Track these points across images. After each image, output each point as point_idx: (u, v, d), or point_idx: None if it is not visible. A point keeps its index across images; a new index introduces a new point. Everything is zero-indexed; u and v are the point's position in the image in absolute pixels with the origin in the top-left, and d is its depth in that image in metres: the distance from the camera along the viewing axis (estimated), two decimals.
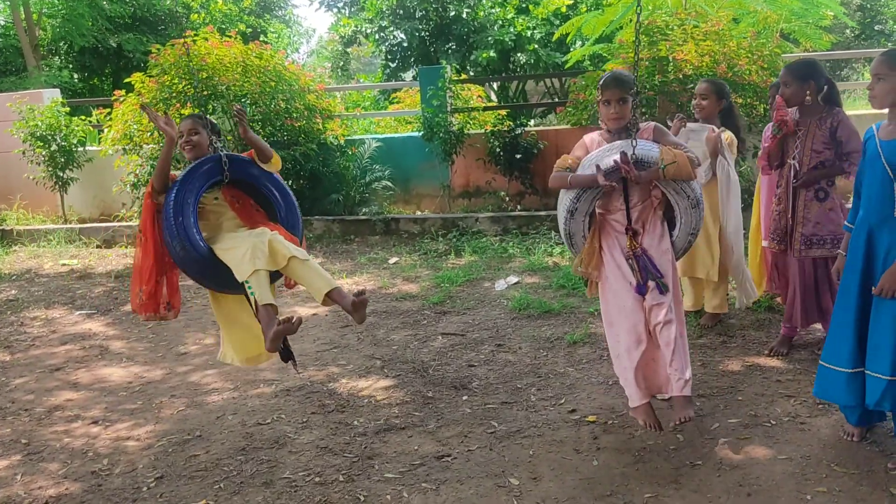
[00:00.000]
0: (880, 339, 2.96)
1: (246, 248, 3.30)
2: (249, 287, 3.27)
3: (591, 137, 3.53)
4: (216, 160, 3.55)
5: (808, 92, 3.97)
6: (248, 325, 3.59)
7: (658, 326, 3.25)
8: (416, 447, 3.41)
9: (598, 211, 3.46)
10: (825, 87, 3.99)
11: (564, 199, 3.44)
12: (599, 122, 3.53)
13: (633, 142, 3.25)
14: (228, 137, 8.74)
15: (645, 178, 3.28)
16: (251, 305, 3.41)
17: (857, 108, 11.90)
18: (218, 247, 3.40)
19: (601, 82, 3.43)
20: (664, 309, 3.24)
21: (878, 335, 2.98)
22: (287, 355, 3.54)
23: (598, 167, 3.23)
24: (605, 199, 3.41)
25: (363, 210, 8.61)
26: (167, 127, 3.49)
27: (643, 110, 7.48)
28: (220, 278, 3.40)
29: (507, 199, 8.73)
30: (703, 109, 4.53)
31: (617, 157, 3.23)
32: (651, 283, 3.27)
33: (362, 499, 3.00)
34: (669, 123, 7.70)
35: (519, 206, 8.66)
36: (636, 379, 3.28)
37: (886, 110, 3.06)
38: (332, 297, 3.38)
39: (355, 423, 3.71)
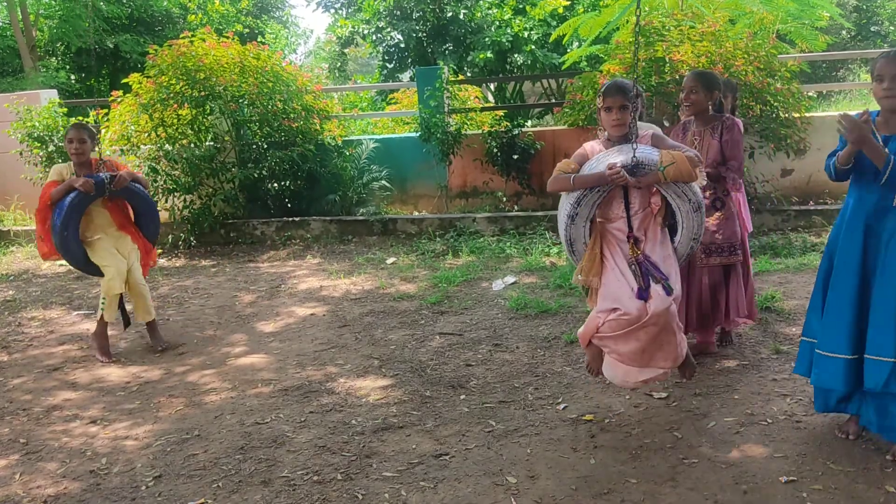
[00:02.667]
0: (883, 324, 3.00)
1: (114, 273, 4.83)
2: (103, 301, 4.87)
3: (590, 145, 3.52)
4: (101, 183, 4.78)
5: (710, 101, 4.13)
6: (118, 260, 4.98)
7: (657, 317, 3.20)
8: (413, 446, 3.43)
9: (598, 220, 3.45)
10: (722, 97, 4.23)
11: (565, 204, 3.41)
12: (598, 130, 3.53)
13: (634, 145, 3.26)
14: (226, 138, 8.77)
15: (645, 182, 3.28)
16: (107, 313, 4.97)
17: (853, 108, 11.95)
18: (93, 254, 4.89)
19: (602, 89, 3.43)
20: (667, 305, 3.21)
21: (879, 320, 3.01)
22: (126, 321, 5.23)
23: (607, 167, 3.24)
24: (605, 207, 3.41)
25: (361, 210, 8.62)
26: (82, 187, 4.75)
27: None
28: (88, 268, 4.96)
29: (505, 199, 8.75)
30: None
31: (620, 159, 3.24)
32: (655, 287, 3.22)
33: (360, 497, 3.01)
34: (666, 124, 7.75)
35: (516, 207, 8.68)
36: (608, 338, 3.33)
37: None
38: (149, 326, 5.14)
39: (353, 422, 3.72)
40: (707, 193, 4.13)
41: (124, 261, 4.92)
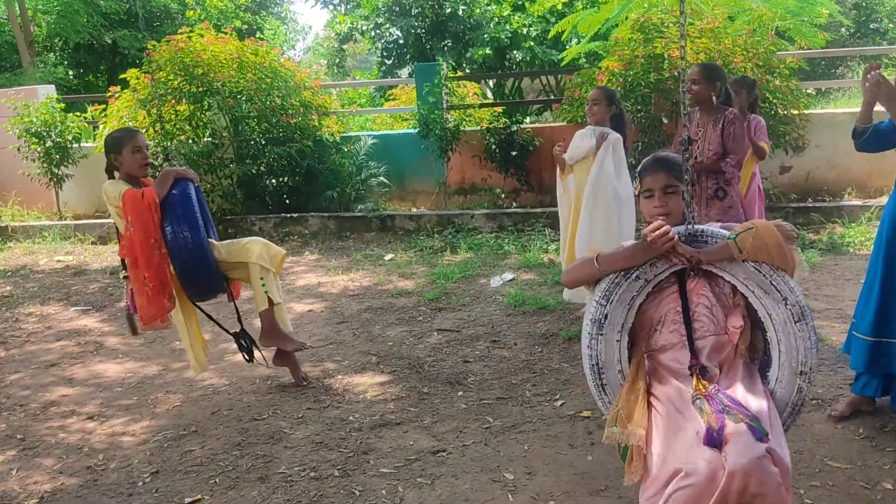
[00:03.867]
0: None
1: (260, 249, 3.86)
2: (263, 284, 3.88)
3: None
4: (196, 176, 3.93)
5: (713, 92, 4.18)
6: (198, 334, 4.05)
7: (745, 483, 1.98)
8: (411, 442, 3.42)
9: (643, 351, 2.43)
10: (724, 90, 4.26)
11: (590, 305, 2.41)
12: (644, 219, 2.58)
13: (691, 218, 2.37)
14: (224, 134, 8.76)
15: (709, 259, 2.30)
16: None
17: (852, 105, 11.93)
18: (220, 255, 3.88)
19: (640, 169, 2.56)
20: (757, 454, 1.98)
21: None
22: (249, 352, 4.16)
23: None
24: (653, 324, 2.41)
25: (359, 207, 8.61)
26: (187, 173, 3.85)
27: (638, 107, 7.50)
28: (219, 285, 3.96)
29: (503, 196, 8.74)
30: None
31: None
32: (734, 428, 2.03)
33: (357, 493, 3.01)
34: (665, 121, 7.75)
35: (514, 203, 8.67)
36: None
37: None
38: (263, 314, 3.99)
39: (350, 418, 3.71)
40: (710, 183, 4.17)
41: (255, 239, 4.02)
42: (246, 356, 4.14)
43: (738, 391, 2.19)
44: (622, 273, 2.34)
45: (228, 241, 4.06)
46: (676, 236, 2.28)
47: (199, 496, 3.06)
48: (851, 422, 3.33)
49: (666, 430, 2.15)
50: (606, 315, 2.33)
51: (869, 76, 2.98)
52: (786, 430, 2.26)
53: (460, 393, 3.95)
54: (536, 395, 3.87)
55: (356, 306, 5.64)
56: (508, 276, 6.18)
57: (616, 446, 2.25)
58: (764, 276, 2.26)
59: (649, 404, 2.27)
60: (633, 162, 7.80)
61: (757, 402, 2.15)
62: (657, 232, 2.25)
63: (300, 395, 4.05)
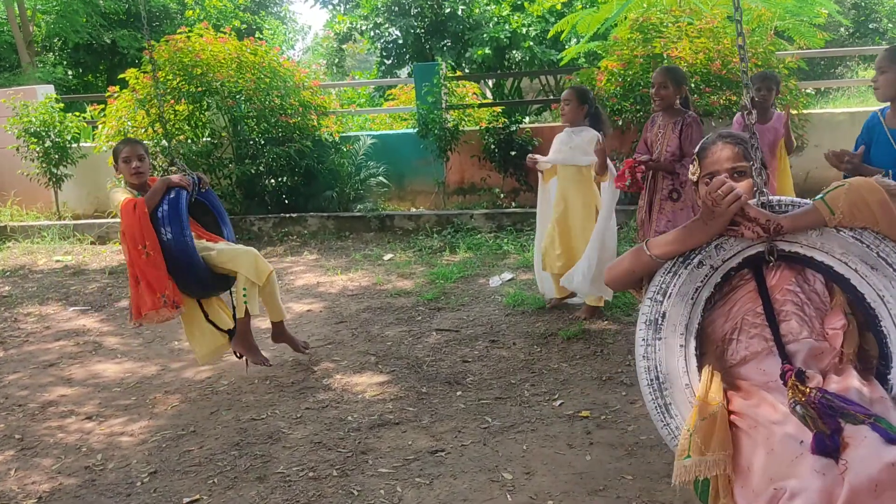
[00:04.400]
0: None
1: (249, 263, 4.04)
2: (245, 294, 4.07)
3: None
4: (194, 182, 4.11)
5: (678, 95, 4.25)
6: (202, 322, 4.27)
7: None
8: (409, 442, 3.42)
9: (714, 364, 1.91)
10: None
11: (643, 307, 1.97)
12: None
13: (765, 188, 1.97)
14: (223, 134, 8.75)
15: (793, 224, 1.88)
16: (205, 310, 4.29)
17: (851, 105, 11.93)
18: (210, 258, 4.06)
19: (699, 148, 2.15)
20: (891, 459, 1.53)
21: None
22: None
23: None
24: (726, 327, 1.97)
25: (358, 207, 8.61)
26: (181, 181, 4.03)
27: (637, 107, 7.50)
28: (214, 285, 4.19)
29: (502, 195, 8.74)
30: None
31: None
32: (853, 430, 1.61)
33: (356, 493, 3.01)
34: None
35: (514, 203, 8.67)
36: None
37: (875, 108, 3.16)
38: (277, 327, 4.39)
39: (349, 418, 3.71)
40: (665, 184, 4.28)
41: (248, 250, 4.19)
42: (237, 354, 4.37)
43: (852, 393, 1.72)
44: (680, 260, 1.90)
45: (227, 246, 4.25)
46: (744, 195, 1.83)
47: (197, 496, 3.06)
48: None
49: (757, 448, 1.67)
50: (664, 313, 1.86)
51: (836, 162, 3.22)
52: None
53: (459, 393, 3.95)
54: (535, 394, 3.87)
55: (355, 306, 5.64)
56: (507, 275, 6.18)
57: (693, 484, 1.76)
58: (868, 246, 1.77)
59: (731, 424, 1.77)
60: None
61: (881, 405, 1.71)
62: (721, 189, 1.78)
63: (299, 395, 4.05)
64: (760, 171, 1.96)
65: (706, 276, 1.88)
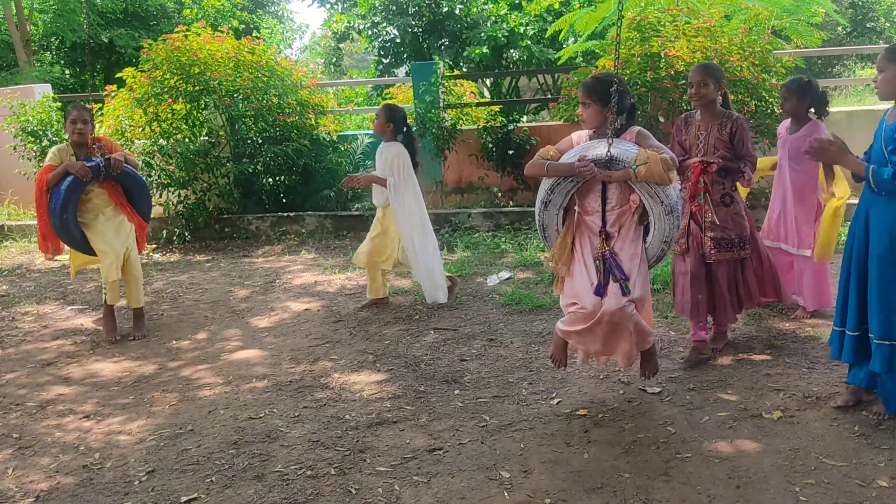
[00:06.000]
0: (871, 304, 3.25)
1: (112, 259, 4.94)
2: (104, 287, 5.06)
3: (578, 135, 3.59)
4: (97, 168, 4.88)
5: (719, 93, 4.11)
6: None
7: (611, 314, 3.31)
8: (407, 441, 3.43)
9: (576, 210, 3.53)
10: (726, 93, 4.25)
11: (540, 191, 3.51)
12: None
13: (610, 140, 3.29)
14: (221, 133, 8.74)
15: (616, 178, 3.31)
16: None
17: (849, 104, 11.95)
18: (92, 238, 5.00)
19: (581, 85, 3.58)
20: (621, 305, 3.29)
21: (870, 301, 3.26)
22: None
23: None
24: (582, 197, 3.48)
25: (356, 206, 8.61)
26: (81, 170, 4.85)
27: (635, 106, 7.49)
28: (87, 249, 5.07)
29: (500, 194, 8.74)
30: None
31: (597, 152, 3.31)
32: (612, 286, 3.30)
33: (354, 492, 3.01)
34: (661, 119, 7.75)
35: (511, 202, 8.67)
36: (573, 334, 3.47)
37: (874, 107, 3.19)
38: (136, 312, 5.27)
39: (347, 417, 3.71)
40: (716, 187, 4.12)
41: (123, 246, 5.03)
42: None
43: (625, 252, 3.36)
44: (562, 177, 3.42)
45: (110, 231, 5.05)
46: (596, 171, 3.27)
47: (195, 495, 3.06)
48: (847, 419, 3.35)
49: (576, 273, 3.43)
50: (551, 200, 3.44)
51: (817, 152, 3.34)
52: (652, 263, 3.46)
53: (457, 391, 3.96)
54: (533, 393, 3.87)
55: (353, 305, 5.64)
56: (505, 274, 6.18)
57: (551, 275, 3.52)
58: (650, 186, 3.28)
59: (572, 252, 3.48)
60: None
61: (632, 265, 3.34)
62: (584, 170, 3.28)
63: (296, 393, 4.05)
64: (615, 120, 3.35)
65: (573, 184, 3.43)
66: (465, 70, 15.25)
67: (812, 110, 4.66)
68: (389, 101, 6.83)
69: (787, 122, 4.79)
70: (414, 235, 5.30)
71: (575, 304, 3.39)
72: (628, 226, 3.42)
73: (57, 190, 4.85)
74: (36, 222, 5.24)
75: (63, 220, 4.88)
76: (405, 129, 5.33)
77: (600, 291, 3.31)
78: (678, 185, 3.45)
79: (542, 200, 3.48)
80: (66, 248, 5.22)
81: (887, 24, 18.69)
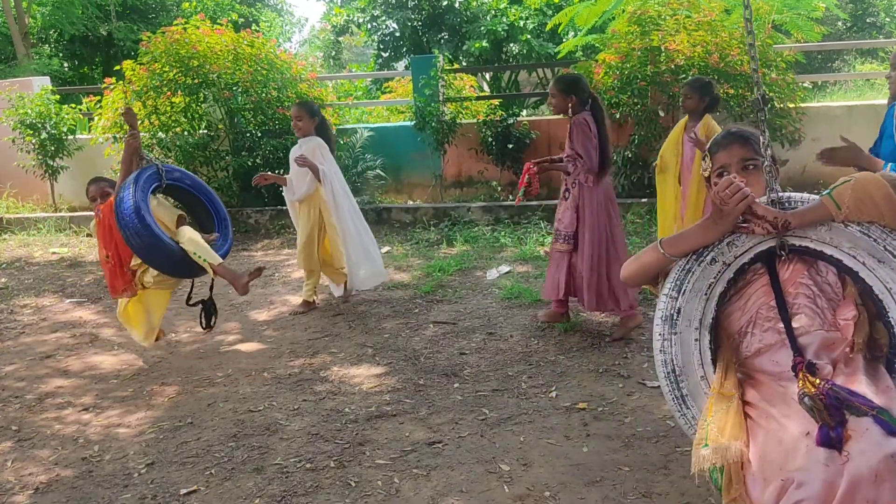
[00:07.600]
0: None
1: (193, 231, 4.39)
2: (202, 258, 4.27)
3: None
4: (154, 170, 4.36)
5: (570, 104, 4.33)
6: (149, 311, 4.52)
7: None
8: (407, 434, 3.43)
9: (730, 356, 2.03)
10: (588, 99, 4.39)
11: (659, 303, 2.06)
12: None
13: (776, 186, 2.05)
14: (220, 126, 8.73)
15: (807, 222, 1.95)
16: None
17: (849, 99, 11.94)
18: (180, 235, 4.34)
19: (710, 144, 2.22)
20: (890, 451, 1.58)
21: None
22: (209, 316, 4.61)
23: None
24: (737, 326, 2.03)
25: (355, 199, 8.59)
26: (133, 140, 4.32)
27: (635, 100, 7.49)
28: (183, 266, 4.28)
29: (499, 188, 8.74)
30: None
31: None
32: (856, 422, 1.66)
33: (353, 484, 3.01)
34: (661, 114, 7.74)
35: (511, 196, 8.67)
36: None
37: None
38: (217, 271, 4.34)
39: (346, 410, 3.72)
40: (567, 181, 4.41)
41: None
42: (203, 322, 4.61)
43: (860, 385, 1.76)
44: (693, 257, 1.97)
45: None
46: (751, 195, 1.88)
47: (194, 487, 3.06)
48: None
49: (768, 438, 1.74)
50: (679, 309, 1.94)
51: (830, 159, 3.22)
52: None
53: (456, 385, 3.96)
54: (532, 386, 3.88)
55: (352, 298, 5.64)
56: (504, 268, 6.18)
57: (709, 472, 1.83)
58: (875, 240, 1.82)
59: (745, 414, 1.86)
60: (631, 155, 7.81)
61: (886, 396, 1.74)
62: (729, 188, 1.84)
63: (296, 386, 4.05)
64: (771, 168, 2.04)
65: (719, 272, 1.96)
66: (464, 64, 15.23)
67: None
68: (304, 100, 6.96)
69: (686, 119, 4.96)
70: (349, 217, 5.31)
71: (788, 483, 1.65)
72: (851, 363, 1.91)
73: (120, 203, 4.11)
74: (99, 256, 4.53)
75: (147, 227, 4.08)
76: (320, 121, 5.39)
77: (833, 438, 1.64)
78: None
79: (664, 315, 2.01)
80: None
81: (887, 20, 18.67)
